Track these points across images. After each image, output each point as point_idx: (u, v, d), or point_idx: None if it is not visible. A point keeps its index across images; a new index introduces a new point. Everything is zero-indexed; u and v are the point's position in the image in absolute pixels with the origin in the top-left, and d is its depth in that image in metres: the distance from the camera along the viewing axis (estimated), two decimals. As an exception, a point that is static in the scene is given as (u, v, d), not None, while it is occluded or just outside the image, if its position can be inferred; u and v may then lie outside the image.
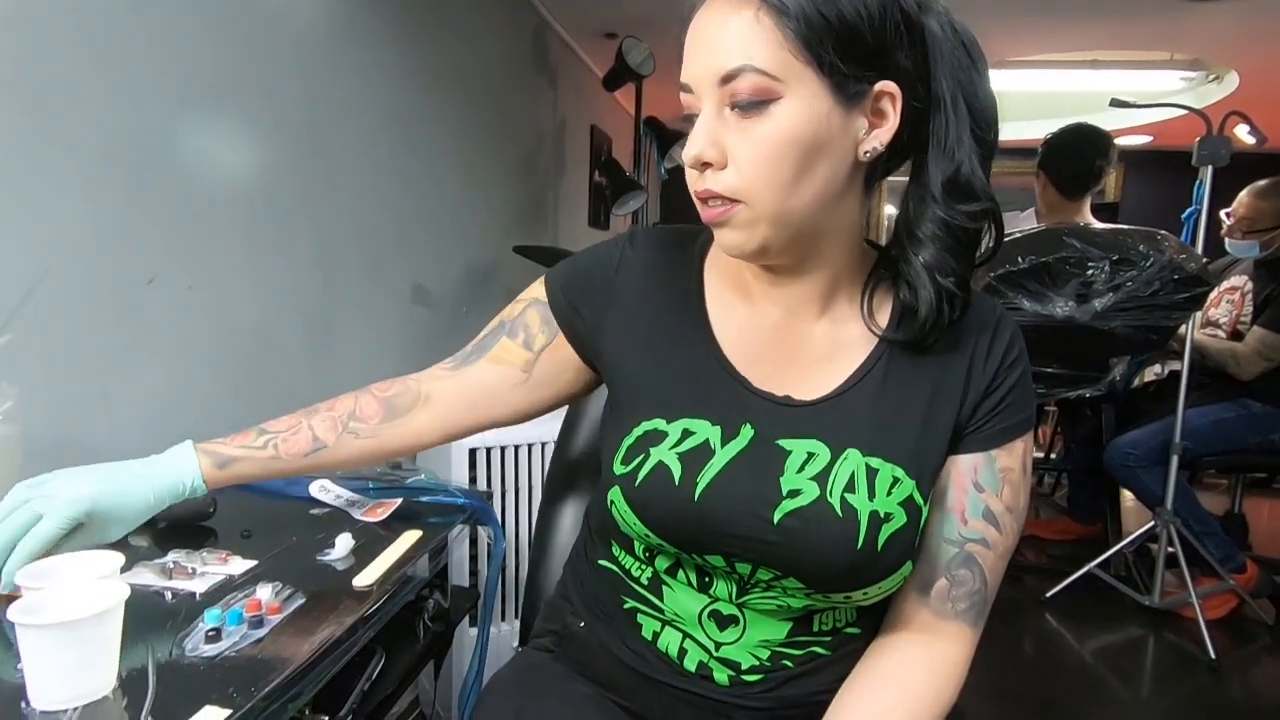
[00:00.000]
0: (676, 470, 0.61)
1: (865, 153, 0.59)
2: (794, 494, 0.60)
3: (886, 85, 0.58)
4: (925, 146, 0.61)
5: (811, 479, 0.60)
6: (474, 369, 0.74)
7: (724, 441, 0.62)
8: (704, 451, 0.61)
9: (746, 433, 0.62)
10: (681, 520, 0.61)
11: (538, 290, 0.74)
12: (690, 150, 0.58)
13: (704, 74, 0.57)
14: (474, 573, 1.41)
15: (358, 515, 0.92)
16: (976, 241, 0.63)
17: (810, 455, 0.61)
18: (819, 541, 0.59)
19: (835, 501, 0.59)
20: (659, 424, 0.63)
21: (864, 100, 0.58)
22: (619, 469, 0.63)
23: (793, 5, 0.54)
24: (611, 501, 0.64)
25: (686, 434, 0.62)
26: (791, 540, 0.59)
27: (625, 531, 0.65)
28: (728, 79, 0.56)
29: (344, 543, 0.81)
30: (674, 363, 0.66)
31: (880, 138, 0.59)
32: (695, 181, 0.59)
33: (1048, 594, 2.21)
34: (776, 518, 0.59)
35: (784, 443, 0.62)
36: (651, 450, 0.62)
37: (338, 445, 0.73)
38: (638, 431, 0.63)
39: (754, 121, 0.56)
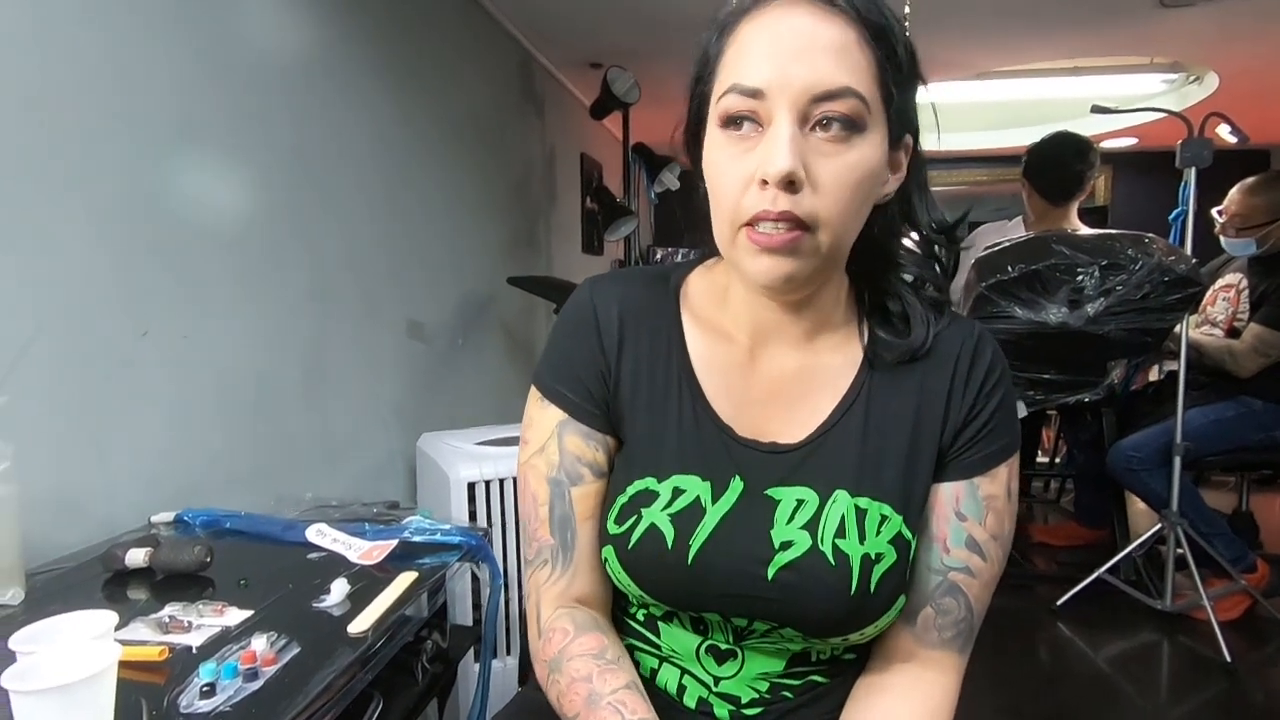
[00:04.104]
0: (669, 533, 0.60)
1: (883, 197, 0.60)
2: (786, 546, 0.59)
3: (908, 138, 0.60)
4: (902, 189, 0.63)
5: (802, 528, 0.60)
6: (581, 543, 0.64)
7: (714, 498, 0.61)
8: (695, 511, 0.61)
9: (736, 486, 0.62)
10: (676, 583, 0.61)
11: (548, 416, 0.65)
12: (779, 164, 0.51)
13: (792, 84, 0.52)
14: (477, 607, 1.40)
15: (354, 559, 0.92)
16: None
17: (800, 502, 0.61)
18: (814, 592, 0.58)
19: (827, 549, 0.59)
20: (650, 483, 0.62)
21: (898, 148, 0.59)
22: (612, 528, 0.63)
23: (897, 45, 0.55)
24: (605, 559, 0.64)
25: (677, 493, 0.61)
26: (787, 594, 0.59)
27: (618, 588, 0.65)
28: (825, 97, 0.52)
29: (339, 588, 0.81)
30: (663, 417, 0.64)
31: (892, 186, 0.61)
32: (771, 200, 0.53)
33: (1058, 602, 2.19)
34: (771, 573, 0.59)
35: (772, 492, 0.62)
36: (644, 511, 0.61)
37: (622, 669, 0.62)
38: (631, 491, 0.63)
39: (841, 147, 0.53)
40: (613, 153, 3.57)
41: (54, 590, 0.83)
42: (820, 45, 0.53)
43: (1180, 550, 2.06)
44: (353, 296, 1.64)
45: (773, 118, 0.53)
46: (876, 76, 0.55)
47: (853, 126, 0.54)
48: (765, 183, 0.53)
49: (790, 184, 0.52)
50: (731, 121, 0.55)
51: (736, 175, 0.55)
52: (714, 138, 0.58)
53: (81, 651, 0.54)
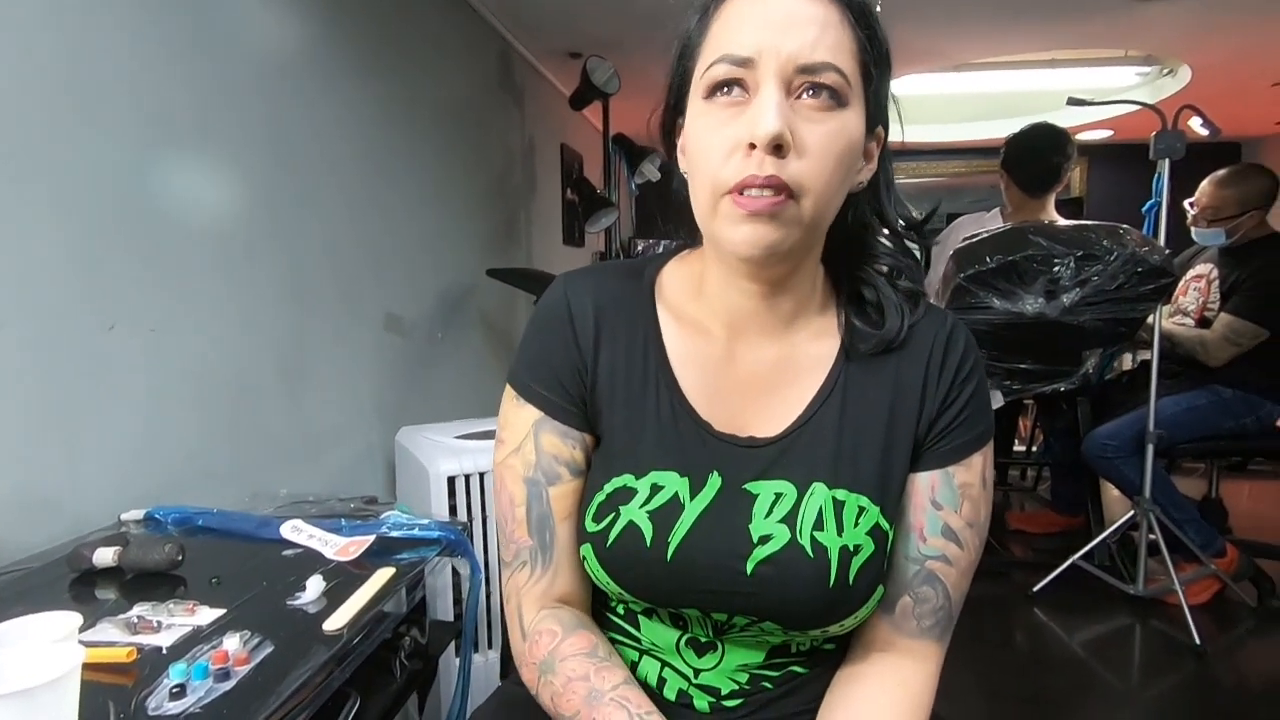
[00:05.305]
0: (648, 530, 0.60)
1: (857, 184, 0.61)
2: (765, 540, 0.59)
3: (880, 129, 0.61)
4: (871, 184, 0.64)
5: (780, 521, 0.60)
6: (560, 543, 0.64)
7: (693, 494, 0.61)
8: (674, 507, 0.60)
9: (714, 482, 0.61)
10: (655, 580, 0.60)
11: (524, 415, 0.64)
12: (768, 126, 0.52)
13: (780, 53, 0.53)
14: (458, 602, 1.39)
15: (330, 555, 0.91)
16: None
17: (778, 496, 0.61)
18: (793, 585, 0.58)
19: (806, 542, 0.59)
20: (628, 480, 0.62)
21: (871, 137, 0.60)
22: (590, 526, 0.62)
23: (877, 31, 0.56)
24: (584, 557, 0.63)
25: (655, 489, 0.61)
26: (766, 588, 0.59)
27: (597, 585, 0.65)
28: (810, 69, 0.53)
29: (315, 585, 0.80)
30: (640, 413, 0.63)
31: (865, 174, 0.62)
32: (758, 165, 0.53)
33: (1034, 588, 2.23)
34: (750, 567, 0.59)
35: (751, 486, 0.61)
36: (622, 509, 0.61)
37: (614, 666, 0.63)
38: (609, 488, 0.62)
39: (826, 114, 0.54)
40: (593, 144, 3.55)
41: (18, 591, 0.81)
42: (805, 19, 0.54)
43: (1153, 536, 2.11)
44: (330, 289, 1.61)
45: (759, 86, 0.54)
46: (857, 56, 0.56)
47: (836, 98, 0.55)
48: (752, 147, 0.53)
49: (777, 148, 0.53)
50: (718, 90, 0.56)
51: (720, 143, 0.55)
52: (697, 109, 0.58)
53: (43, 655, 0.52)
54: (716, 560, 0.59)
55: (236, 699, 0.60)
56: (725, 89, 0.55)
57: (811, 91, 0.54)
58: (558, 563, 0.64)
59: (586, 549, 0.63)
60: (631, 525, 0.60)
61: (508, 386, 0.67)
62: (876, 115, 0.60)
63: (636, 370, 0.64)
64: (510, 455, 0.65)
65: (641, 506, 0.60)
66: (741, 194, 0.54)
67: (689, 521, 0.60)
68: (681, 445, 0.62)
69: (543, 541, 0.64)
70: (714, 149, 0.55)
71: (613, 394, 0.64)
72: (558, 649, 0.62)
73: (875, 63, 0.57)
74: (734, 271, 0.61)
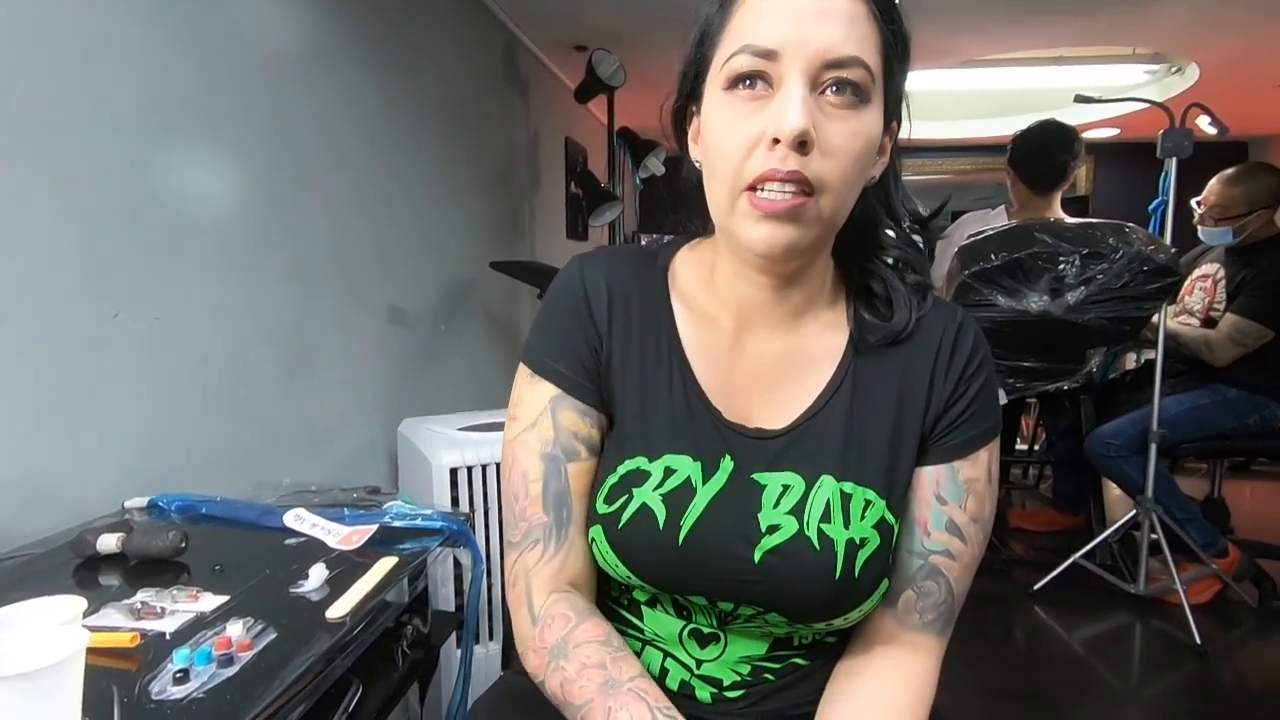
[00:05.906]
0: (660, 513, 0.59)
1: (870, 179, 0.61)
2: (773, 530, 0.59)
3: (894, 124, 0.61)
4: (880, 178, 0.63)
5: (788, 512, 0.60)
6: (576, 521, 0.63)
7: (705, 478, 0.61)
8: (686, 491, 0.60)
9: (726, 466, 0.61)
10: (665, 564, 0.60)
11: (540, 392, 0.64)
12: (794, 122, 0.51)
13: (807, 46, 0.52)
14: (460, 593, 1.40)
15: (333, 544, 0.91)
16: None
17: (786, 487, 0.61)
18: (799, 576, 0.58)
19: (813, 534, 0.59)
20: (641, 462, 0.61)
21: (886, 131, 0.60)
22: (602, 508, 0.62)
23: (900, 26, 0.56)
24: (593, 539, 0.63)
25: (669, 472, 0.61)
26: (772, 578, 0.59)
27: (603, 569, 0.64)
28: (837, 64, 0.52)
29: (318, 573, 0.80)
30: (654, 396, 0.63)
31: (878, 169, 0.61)
32: (780, 160, 0.52)
33: (1035, 586, 2.22)
34: (757, 556, 0.59)
35: (759, 477, 0.61)
36: (635, 491, 0.60)
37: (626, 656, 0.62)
38: (622, 470, 0.62)
39: (849, 113, 0.54)
40: (597, 137, 3.53)
41: (22, 576, 0.81)
42: (833, 12, 0.53)
43: (1154, 536, 2.10)
44: (334, 279, 1.61)
45: (784, 79, 0.53)
46: (881, 51, 0.55)
47: (860, 95, 0.54)
48: (775, 142, 0.53)
49: (802, 144, 0.52)
50: (740, 82, 0.55)
51: (740, 137, 0.54)
52: (716, 100, 0.57)
53: (47, 638, 0.52)
54: (727, 546, 0.59)
55: (240, 684, 0.60)
56: (747, 82, 0.54)
57: (836, 88, 0.53)
58: (572, 541, 0.63)
59: (597, 531, 0.62)
60: (644, 508, 0.60)
61: (521, 366, 0.66)
62: (892, 110, 0.59)
63: (649, 353, 0.64)
64: (525, 431, 0.63)
65: (655, 489, 0.60)
66: (760, 190, 0.54)
67: (701, 505, 0.60)
68: (694, 429, 0.62)
69: (559, 518, 0.63)
70: (734, 143, 0.54)
71: (625, 375, 0.64)
72: (571, 635, 0.60)
73: (898, 59, 0.57)
74: (746, 264, 0.61)
